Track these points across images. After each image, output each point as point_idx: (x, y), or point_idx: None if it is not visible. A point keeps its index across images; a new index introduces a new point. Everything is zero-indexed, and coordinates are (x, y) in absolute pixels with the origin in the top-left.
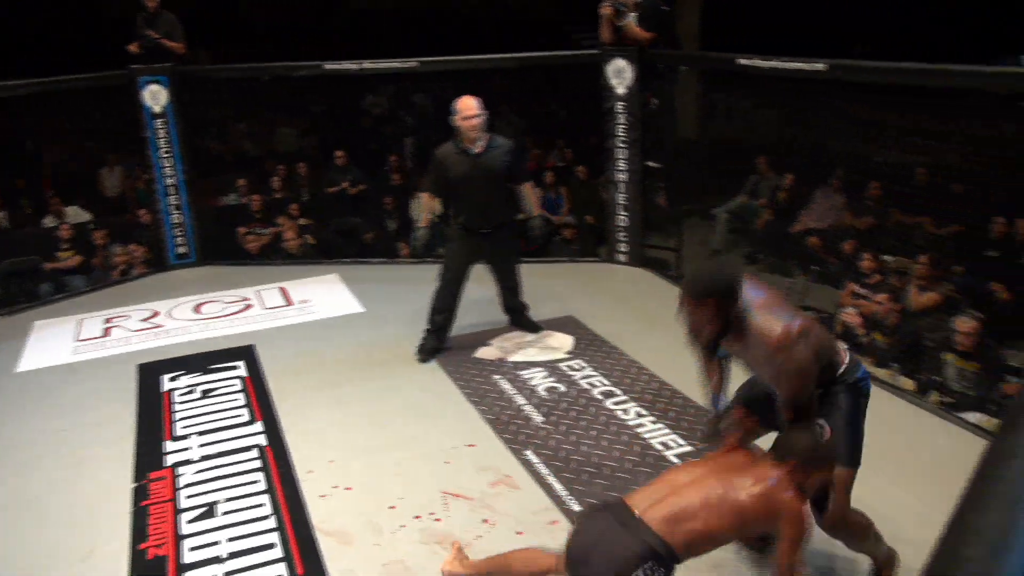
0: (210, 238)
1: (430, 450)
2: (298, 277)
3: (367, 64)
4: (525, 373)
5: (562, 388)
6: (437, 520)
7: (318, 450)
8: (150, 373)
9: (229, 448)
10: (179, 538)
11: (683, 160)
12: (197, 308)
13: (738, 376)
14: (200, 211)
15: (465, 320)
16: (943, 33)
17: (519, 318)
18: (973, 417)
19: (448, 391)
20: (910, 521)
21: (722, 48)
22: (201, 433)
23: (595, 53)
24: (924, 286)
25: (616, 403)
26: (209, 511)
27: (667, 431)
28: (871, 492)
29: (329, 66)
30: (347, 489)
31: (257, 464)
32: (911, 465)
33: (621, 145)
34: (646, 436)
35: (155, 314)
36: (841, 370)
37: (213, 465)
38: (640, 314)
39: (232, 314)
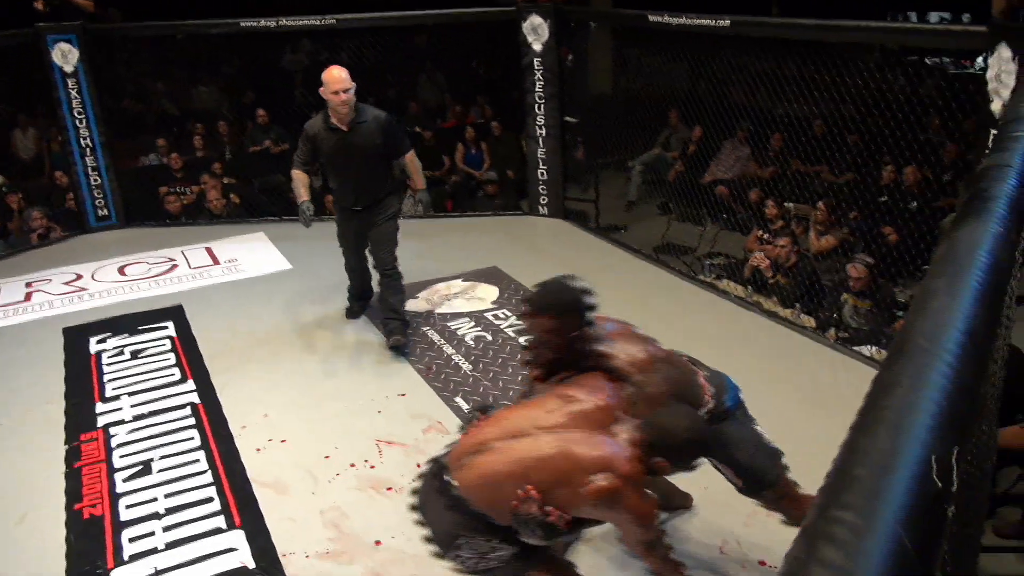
0: (132, 200)
1: (363, 402)
2: (224, 236)
3: (284, 21)
4: (453, 324)
5: (488, 337)
6: (372, 467)
7: (251, 406)
8: (76, 336)
9: (161, 407)
10: (114, 497)
11: (598, 115)
12: (121, 270)
13: None
14: (120, 172)
15: None
16: None
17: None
18: (867, 351)
19: (379, 344)
20: (810, 444)
21: (633, 5)
22: (132, 393)
23: (511, 10)
24: (822, 231)
25: None
26: (144, 469)
27: None
28: (776, 419)
29: (245, 23)
30: (282, 442)
31: (191, 422)
32: (812, 394)
33: (539, 100)
34: None
35: (78, 277)
36: (704, 412)
37: (146, 424)
38: (562, 264)
39: (158, 275)
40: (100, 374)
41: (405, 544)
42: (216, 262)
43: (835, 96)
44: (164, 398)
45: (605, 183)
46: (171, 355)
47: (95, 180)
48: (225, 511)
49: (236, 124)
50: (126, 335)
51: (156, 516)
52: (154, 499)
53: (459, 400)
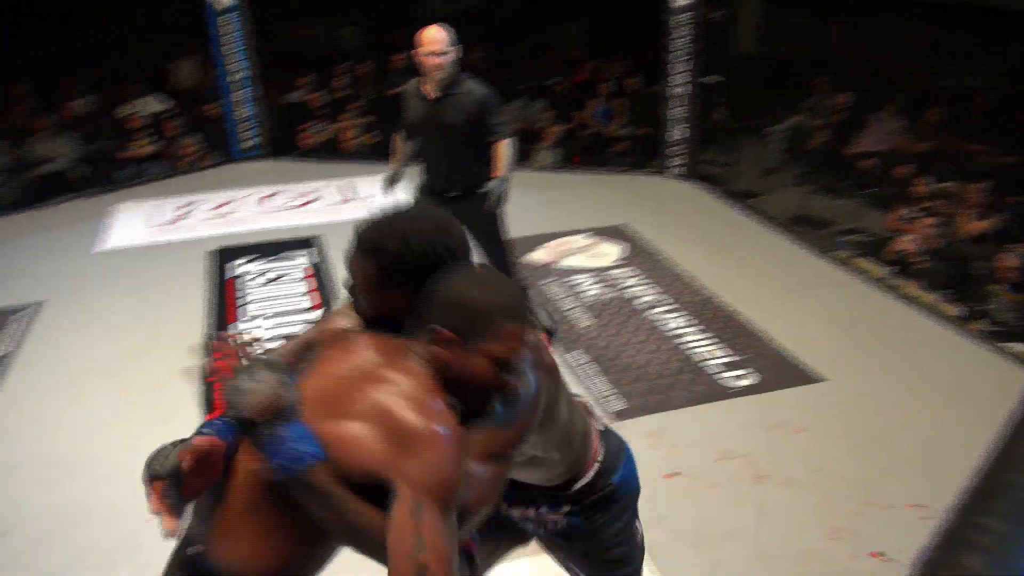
0: (277, 134)
1: None
2: (362, 174)
3: None
4: (574, 279)
5: (610, 295)
6: None
7: None
8: (217, 258)
9: (290, 333)
10: None
11: (742, 76)
12: (263, 199)
13: None
14: (267, 107)
15: (517, 227)
16: None
17: None
18: (1018, 347)
19: None
20: (944, 442)
21: None
22: (263, 316)
23: None
24: (975, 214)
25: (663, 311)
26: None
27: (711, 342)
28: (908, 414)
29: None
30: None
31: None
32: (949, 391)
33: (682, 58)
34: (690, 345)
35: (224, 203)
36: (582, 483)
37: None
38: (691, 228)
39: (298, 207)
40: (236, 296)
41: None
42: (354, 198)
43: (1007, 68)
44: (293, 325)
45: (742, 147)
46: (303, 284)
47: (243, 113)
48: None
49: (376, 66)
50: (263, 261)
51: None
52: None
53: (576, 353)
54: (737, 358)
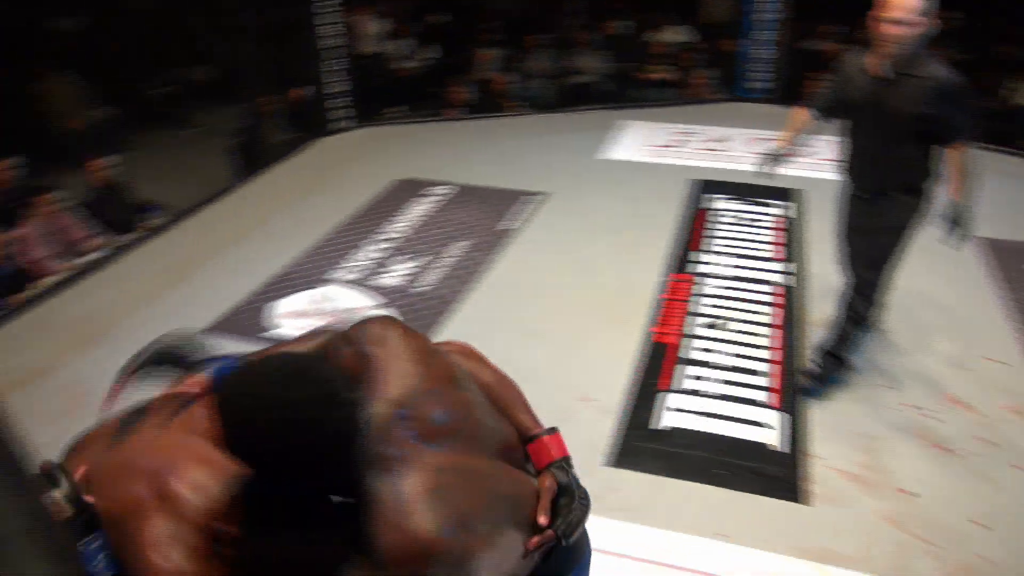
0: (788, 79)
1: None
2: None
3: None
4: None
5: None
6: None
7: (819, 304)
8: (696, 188)
9: (747, 276)
10: (683, 336)
11: None
12: (754, 141)
13: None
14: (786, 51)
15: None
16: None
17: (834, 343)
18: None
19: None
20: None
21: None
22: (726, 254)
23: None
24: None
25: None
26: (716, 322)
27: None
28: None
29: None
30: None
31: (769, 299)
32: None
33: None
34: None
35: (717, 139)
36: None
37: (729, 286)
38: None
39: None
40: (703, 227)
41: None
42: None
43: None
44: (753, 269)
45: None
46: (772, 233)
47: (760, 54)
48: (770, 390)
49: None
50: (738, 201)
51: (711, 366)
52: (715, 351)
53: None
54: None
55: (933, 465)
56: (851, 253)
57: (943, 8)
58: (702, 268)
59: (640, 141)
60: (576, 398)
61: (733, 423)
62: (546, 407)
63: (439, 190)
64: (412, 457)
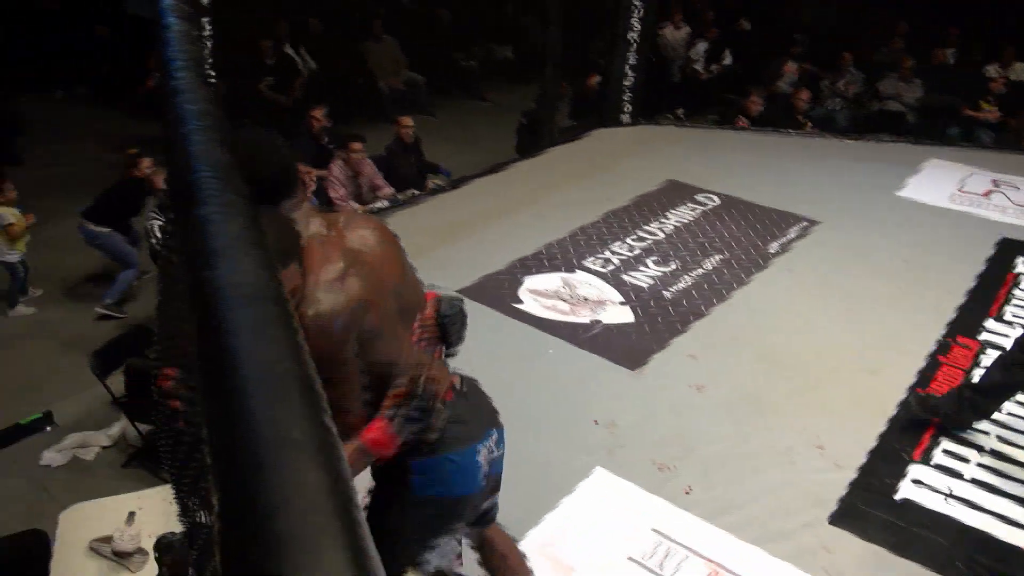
0: None
1: None
2: None
3: None
4: None
5: None
6: None
7: None
8: (1008, 248)
9: None
10: None
11: None
12: None
13: None
14: None
15: None
16: None
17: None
18: None
19: None
20: None
21: None
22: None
23: None
24: None
25: None
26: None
27: None
28: None
29: None
30: None
31: None
32: None
33: None
34: None
35: None
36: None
37: None
38: None
39: None
40: (1009, 293)
41: None
42: None
43: None
44: None
45: None
46: None
47: None
48: None
49: None
50: None
51: (982, 449)
52: (988, 433)
53: None
54: None
55: None
56: None
57: None
58: (995, 338)
59: (949, 184)
60: (809, 442)
61: (992, 518)
62: (771, 444)
63: (704, 198)
64: None
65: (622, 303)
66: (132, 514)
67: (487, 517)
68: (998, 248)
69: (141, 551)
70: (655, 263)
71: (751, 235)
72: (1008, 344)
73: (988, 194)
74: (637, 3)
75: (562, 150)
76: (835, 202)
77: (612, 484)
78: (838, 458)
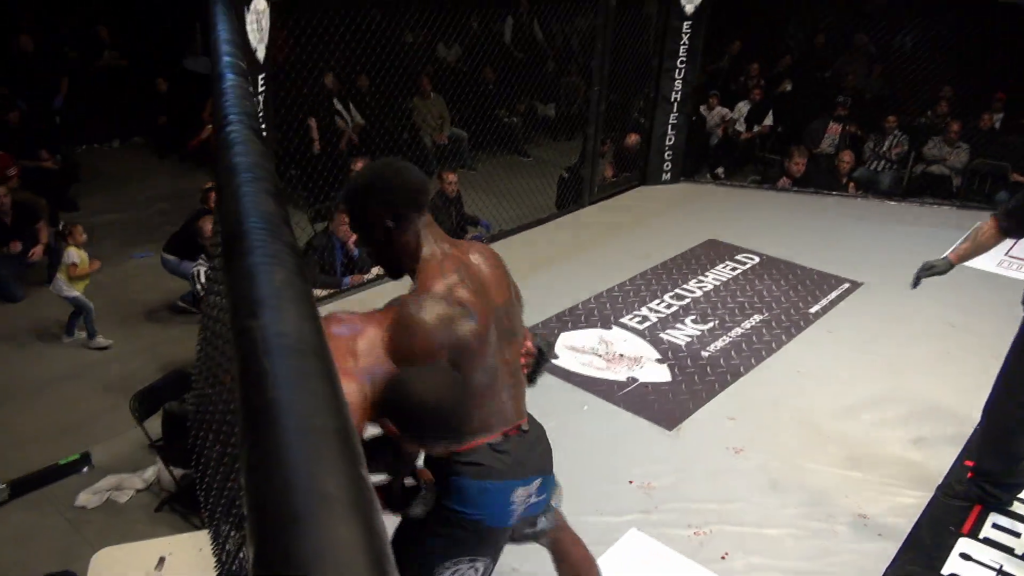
0: None
1: None
2: None
3: None
4: None
5: None
6: None
7: None
8: None
9: None
10: None
11: None
12: None
13: None
14: None
15: None
16: None
17: None
18: None
19: None
20: None
21: None
22: None
23: None
24: None
25: None
26: None
27: None
28: None
29: None
30: None
31: None
32: None
33: None
34: None
35: None
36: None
37: None
38: None
39: None
40: None
41: None
42: None
43: None
44: None
45: None
46: None
47: None
48: None
49: None
50: None
51: None
52: None
53: None
54: None
55: None
56: None
57: None
58: None
59: (1000, 250)
60: (851, 511)
61: None
62: (812, 511)
63: (744, 257)
64: None
65: (659, 361)
66: (162, 559)
67: (535, 536)
68: None
69: None
70: (693, 321)
71: (791, 295)
72: None
73: None
74: (679, 64)
75: (602, 206)
76: (878, 264)
77: (647, 546)
78: (881, 529)
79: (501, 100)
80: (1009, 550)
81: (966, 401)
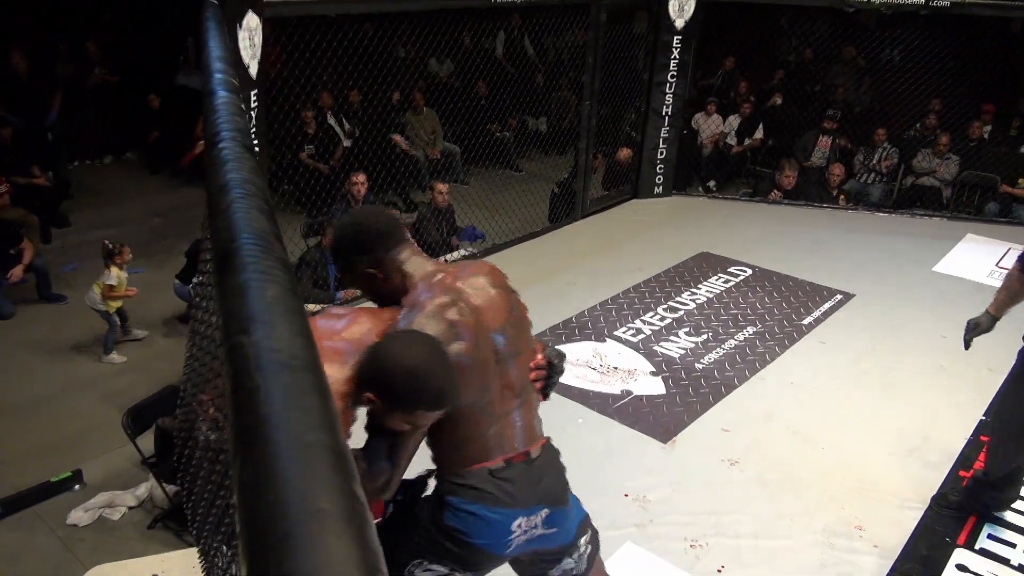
0: None
1: None
2: None
3: None
4: None
5: None
6: None
7: None
8: None
9: None
10: None
11: None
12: None
13: None
14: None
15: None
16: None
17: None
18: None
19: None
20: None
21: None
22: None
23: None
24: None
25: None
26: None
27: None
28: None
29: None
30: None
31: None
32: None
33: None
34: None
35: None
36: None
37: None
38: None
39: None
40: None
41: None
42: None
43: None
44: None
45: None
46: None
47: None
48: None
49: None
50: None
51: None
52: None
53: None
54: None
55: None
56: None
57: None
58: None
59: (988, 259)
60: (847, 522)
61: None
62: (808, 523)
63: (736, 269)
64: None
65: (653, 373)
66: None
67: None
68: None
69: None
70: (687, 334)
71: (784, 307)
72: None
73: None
74: (670, 78)
75: (594, 220)
76: (870, 276)
77: (642, 560)
78: (878, 540)
79: (493, 115)
80: (1005, 561)
81: (959, 412)
